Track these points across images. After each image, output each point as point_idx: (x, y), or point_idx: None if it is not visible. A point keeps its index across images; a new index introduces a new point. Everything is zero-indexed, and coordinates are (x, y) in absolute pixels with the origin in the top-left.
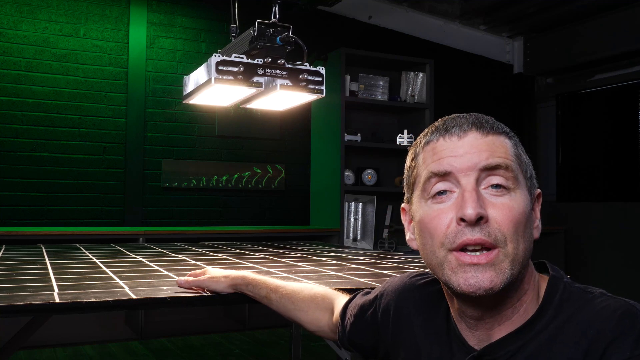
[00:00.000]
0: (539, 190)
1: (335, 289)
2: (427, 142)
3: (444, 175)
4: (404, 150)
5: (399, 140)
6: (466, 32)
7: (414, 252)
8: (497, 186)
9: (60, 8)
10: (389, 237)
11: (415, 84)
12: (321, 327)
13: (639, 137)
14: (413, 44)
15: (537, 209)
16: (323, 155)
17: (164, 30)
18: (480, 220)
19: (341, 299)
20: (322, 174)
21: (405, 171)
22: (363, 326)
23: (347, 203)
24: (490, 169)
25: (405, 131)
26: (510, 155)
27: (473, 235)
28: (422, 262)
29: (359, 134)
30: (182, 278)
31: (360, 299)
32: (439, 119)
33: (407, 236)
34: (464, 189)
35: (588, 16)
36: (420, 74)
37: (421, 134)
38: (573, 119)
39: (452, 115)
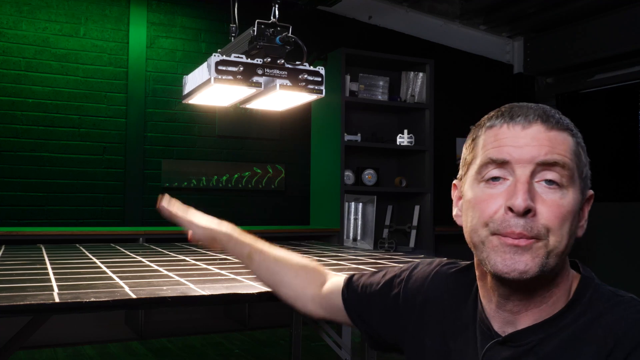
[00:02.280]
0: (591, 192)
1: None
2: (490, 127)
3: (501, 164)
4: (404, 150)
5: (399, 140)
6: (466, 32)
7: (414, 252)
8: (550, 182)
9: (60, 8)
10: (389, 237)
11: (415, 84)
12: (304, 295)
13: (639, 137)
14: (413, 44)
15: (587, 209)
16: (323, 155)
17: (164, 30)
18: (527, 212)
19: (332, 276)
20: (322, 174)
21: (464, 149)
22: (379, 302)
23: (347, 203)
24: (547, 165)
25: (405, 131)
26: (570, 153)
27: (517, 228)
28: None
29: (359, 134)
30: (164, 203)
31: (374, 278)
32: (506, 105)
33: (454, 212)
34: (518, 179)
35: (588, 16)
36: (420, 74)
37: (485, 116)
38: (573, 119)
39: (520, 104)
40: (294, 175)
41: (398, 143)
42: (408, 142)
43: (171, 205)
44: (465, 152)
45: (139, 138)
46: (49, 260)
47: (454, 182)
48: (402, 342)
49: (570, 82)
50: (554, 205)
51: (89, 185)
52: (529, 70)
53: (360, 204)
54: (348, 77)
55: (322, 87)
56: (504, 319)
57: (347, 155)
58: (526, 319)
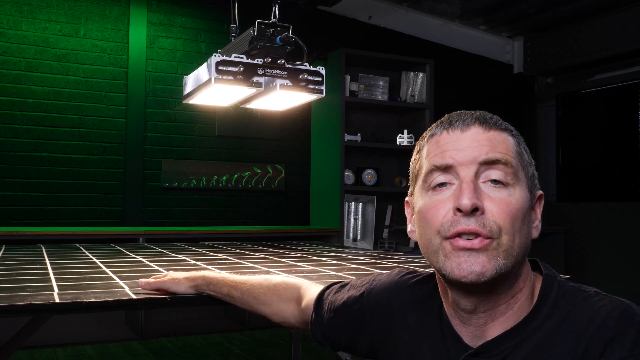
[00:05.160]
0: (540, 192)
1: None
2: (432, 136)
3: (445, 169)
4: (404, 150)
5: (399, 140)
6: (466, 32)
7: (414, 252)
8: (495, 181)
9: (60, 8)
10: (389, 237)
11: (415, 84)
12: (286, 318)
13: (639, 137)
14: (413, 44)
15: (538, 210)
16: (323, 155)
17: (164, 30)
18: (475, 211)
19: (307, 288)
20: (322, 174)
21: (411, 164)
22: (344, 322)
23: (347, 203)
24: (489, 163)
25: (405, 131)
26: (512, 152)
27: (468, 224)
28: (421, 263)
29: (359, 134)
30: (143, 280)
31: (341, 294)
32: (446, 115)
33: (409, 228)
34: (462, 180)
35: (588, 16)
36: (420, 74)
37: (428, 129)
38: (573, 119)
39: (458, 111)
40: (294, 175)
41: (398, 143)
42: (408, 142)
43: (150, 282)
44: (411, 166)
45: (139, 138)
46: (49, 260)
47: (406, 199)
48: (376, 350)
49: (570, 82)
50: (502, 202)
51: (89, 185)
52: (529, 70)
53: (360, 204)
54: (348, 77)
55: (323, 87)
56: (472, 333)
57: (347, 155)
58: (494, 330)
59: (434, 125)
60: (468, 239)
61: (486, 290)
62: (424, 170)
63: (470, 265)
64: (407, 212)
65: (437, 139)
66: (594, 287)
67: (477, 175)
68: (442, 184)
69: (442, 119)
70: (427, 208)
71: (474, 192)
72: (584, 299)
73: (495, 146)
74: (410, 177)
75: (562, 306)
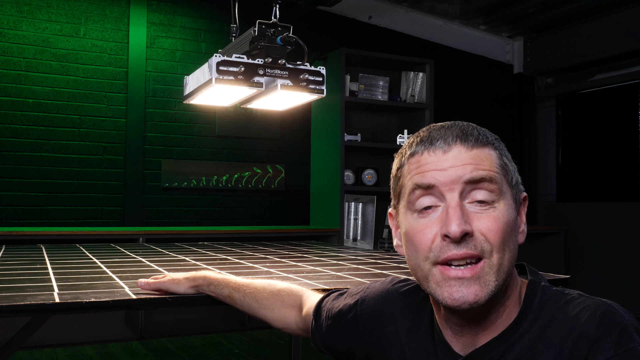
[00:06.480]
0: (524, 194)
1: (313, 289)
2: (412, 154)
3: (427, 188)
4: None
5: (399, 140)
6: (466, 32)
7: None
8: (481, 202)
9: (60, 8)
10: (389, 237)
11: (415, 84)
12: (288, 324)
13: (639, 137)
14: (413, 44)
15: (523, 212)
16: (323, 155)
17: (164, 30)
18: (465, 236)
19: (308, 296)
20: (322, 174)
21: (392, 179)
22: (340, 330)
23: (347, 203)
24: (474, 182)
25: (405, 131)
26: (495, 167)
27: (459, 250)
28: None
29: (359, 134)
30: (143, 280)
31: (338, 302)
32: (424, 129)
33: (395, 242)
34: (449, 204)
35: (588, 16)
36: (420, 74)
37: (406, 143)
38: (573, 119)
39: (437, 126)
40: (294, 175)
41: (398, 143)
42: None
43: (149, 282)
44: (393, 182)
45: (139, 138)
46: (49, 260)
47: (389, 211)
48: (371, 358)
49: (570, 82)
50: (490, 220)
51: (89, 185)
52: (529, 70)
53: (360, 204)
54: (348, 77)
55: (323, 87)
56: (463, 343)
57: (347, 155)
58: (484, 338)
59: (413, 142)
60: (459, 267)
61: (478, 310)
62: (407, 189)
63: (462, 295)
64: (392, 224)
65: (418, 159)
66: (577, 290)
67: (462, 195)
68: (427, 207)
69: (422, 135)
70: (414, 232)
71: (461, 217)
72: (567, 302)
73: (479, 164)
74: (392, 192)
75: (546, 311)
